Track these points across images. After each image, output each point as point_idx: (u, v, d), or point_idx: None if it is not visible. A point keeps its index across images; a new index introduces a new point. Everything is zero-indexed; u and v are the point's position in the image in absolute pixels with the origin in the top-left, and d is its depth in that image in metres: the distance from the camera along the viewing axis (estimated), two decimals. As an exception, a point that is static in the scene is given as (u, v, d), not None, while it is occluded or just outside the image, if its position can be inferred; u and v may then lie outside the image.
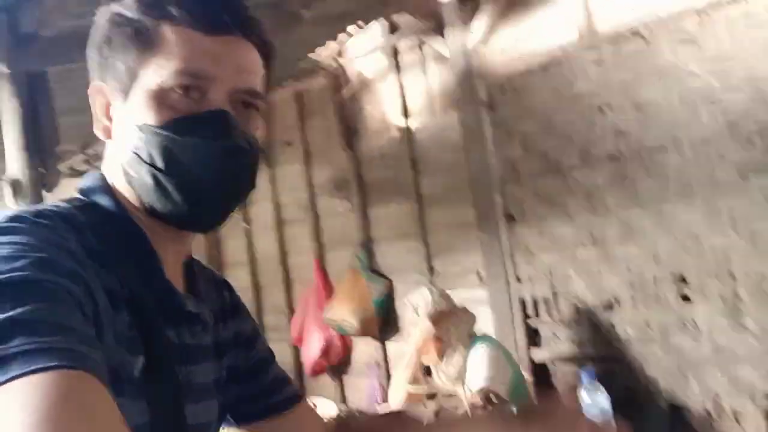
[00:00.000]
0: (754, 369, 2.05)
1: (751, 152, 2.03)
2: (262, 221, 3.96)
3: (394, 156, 3.20)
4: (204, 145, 0.58)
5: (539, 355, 2.62)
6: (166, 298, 0.62)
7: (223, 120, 0.59)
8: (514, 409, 2.06)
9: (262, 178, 3.77)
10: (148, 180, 0.59)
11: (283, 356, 3.87)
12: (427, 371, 2.36)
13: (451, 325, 2.28)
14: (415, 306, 2.30)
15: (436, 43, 2.96)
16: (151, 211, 0.61)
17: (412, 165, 3.12)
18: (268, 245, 3.94)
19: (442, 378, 2.28)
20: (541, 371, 2.63)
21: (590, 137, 2.40)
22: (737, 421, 2.12)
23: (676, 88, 2.17)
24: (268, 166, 3.81)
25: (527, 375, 2.56)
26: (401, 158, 3.16)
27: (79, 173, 4.18)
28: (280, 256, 3.87)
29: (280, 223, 3.88)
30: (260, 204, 3.86)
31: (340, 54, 3.43)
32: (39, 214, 0.54)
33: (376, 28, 3.22)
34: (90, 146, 3.65)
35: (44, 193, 1.87)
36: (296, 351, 3.73)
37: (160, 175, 0.59)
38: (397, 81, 3.17)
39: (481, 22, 2.73)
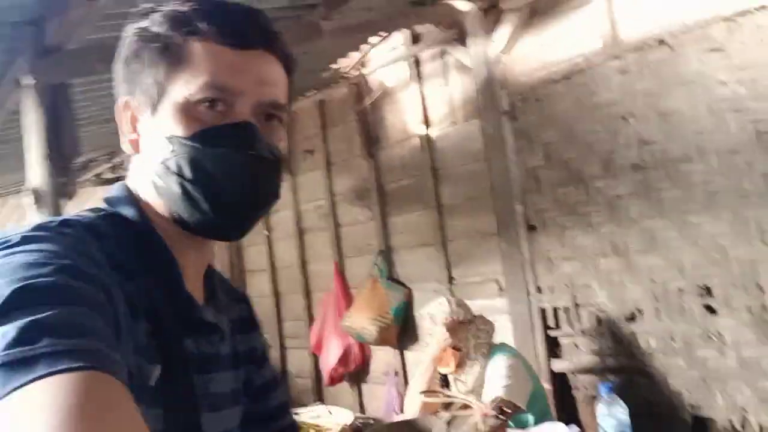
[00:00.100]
0: (782, 384, 2.00)
1: (779, 162, 1.99)
2: (283, 229, 3.99)
3: (415, 165, 3.21)
4: (230, 156, 0.60)
5: (559, 365, 2.59)
6: (186, 308, 0.63)
7: (249, 131, 0.62)
8: (530, 420, 2.02)
9: (284, 187, 3.80)
10: (177, 190, 0.61)
11: (302, 364, 3.89)
12: (445, 381, 2.34)
13: (469, 334, 2.26)
14: (432, 316, 2.29)
15: (458, 53, 2.97)
16: (179, 221, 0.63)
17: (432, 174, 3.12)
18: (288, 253, 3.98)
19: (459, 388, 2.26)
20: (561, 382, 2.59)
21: (613, 146, 2.38)
22: (765, 436, 2.07)
23: (703, 97, 2.15)
24: (290, 175, 3.85)
25: (547, 386, 2.53)
26: (422, 167, 3.16)
27: (105, 181, 4.28)
28: (300, 264, 3.90)
29: (300, 231, 3.91)
30: (281, 212, 3.90)
31: (362, 64, 3.46)
32: (63, 223, 0.56)
33: (398, 39, 3.24)
34: (116, 155, 3.73)
35: (65, 202, 1.92)
36: (315, 359, 3.73)
37: (188, 185, 0.60)
38: (418, 90, 3.19)
39: (503, 32, 2.73)
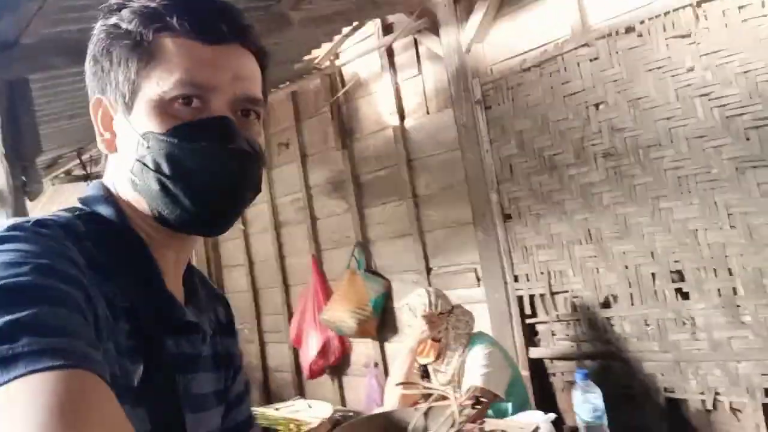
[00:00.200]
0: (752, 364, 2.04)
1: (747, 147, 2.02)
2: (260, 223, 3.96)
3: (389, 155, 3.19)
4: (209, 150, 0.59)
5: (537, 352, 2.61)
6: (166, 308, 0.62)
7: (226, 125, 0.61)
8: (509, 409, 2.03)
9: (259, 180, 3.76)
10: (155, 186, 0.60)
11: (282, 358, 3.88)
12: (425, 372, 2.35)
13: (448, 325, 2.26)
14: (411, 307, 2.29)
15: (430, 42, 2.95)
16: (159, 218, 0.61)
17: (407, 164, 3.11)
18: (265, 247, 3.94)
19: (439, 378, 2.26)
20: (538, 369, 2.62)
21: (585, 134, 2.39)
22: (735, 416, 2.11)
23: (671, 83, 2.16)
24: (265, 168, 3.80)
25: (525, 373, 2.55)
26: (397, 158, 3.15)
27: (75, 178, 4.19)
28: (278, 258, 3.87)
29: (277, 225, 3.87)
30: (257, 206, 3.86)
31: (335, 55, 3.42)
32: (38, 223, 0.55)
33: (370, 29, 3.21)
34: (86, 151, 3.65)
35: (27, 202, 1.86)
36: (295, 353, 3.72)
37: (167, 181, 0.59)
38: (391, 80, 3.16)
39: (474, 21, 2.72)
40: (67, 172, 4.23)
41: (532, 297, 2.62)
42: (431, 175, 3.04)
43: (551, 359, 2.59)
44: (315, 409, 2.46)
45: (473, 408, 1.66)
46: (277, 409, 2.63)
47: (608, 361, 2.39)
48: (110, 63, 0.61)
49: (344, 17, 2.66)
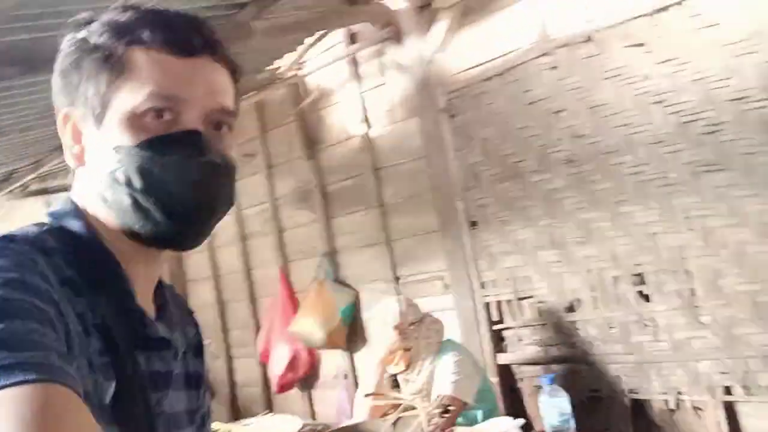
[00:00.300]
0: (712, 363, 2.09)
1: (702, 151, 2.08)
2: (225, 235, 3.89)
3: (356, 165, 3.19)
4: (181, 163, 0.59)
5: (504, 358, 2.62)
6: (137, 323, 0.61)
7: (198, 139, 0.60)
8: (479, 416, 2.04)
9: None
10: (126, 201, 0.59)
11: (249, 372, 3.81)
12: (395, 383, 2.33)
13: (419, 334, 2.26)
14: (383, 317, 2.27)
15: (394, 52, 2.97)
16: (130, 233, 0.60)
17: (374, 173, 3.11)
18: (231, 259, 3.88)
19: (410, 388, 2.25)
20: (507, 375, 2.63)
21: (547, 141, 2.43)
22: (698, 414, 2.16)
23: (628, 91, 2.22)
24: (230, 179, 3.75)
25: (494, 379, 2.56)
26: (363, 167, 3.15)
27: (32, 193, 4.05)
28: (245, 270, 3.81)
29: (243, 237, 3.82)
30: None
31: (299, 65, 3.41)
32: (6, 238, 0.54)
33: (335, 38, 3.21)
34: (42, 164, 3.54)
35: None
36: (264, 367, 3.66)
37: (138, 195, 0.58)
38: (357, 90, 3.17)
39: (438, 31, 2.75)
40: (24, 187, 4.09)
41: (499, 303, 2.63)
42: (398, 183, 3.05)
43: (519, 365, 2.61)
44: (283, 424, 2.42)
45: (441, 416, 1.65)
46: (245, 426, 2.58)
47: (575, 365, 2.42)
48: (80, 77, 0.61)
49: (308, 27, 2.66)
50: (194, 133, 0.60)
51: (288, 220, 3.58)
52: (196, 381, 0.73)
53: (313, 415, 3.45)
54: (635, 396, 2.28)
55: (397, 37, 2.92)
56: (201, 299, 4.04)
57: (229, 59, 0.65)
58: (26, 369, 0.42)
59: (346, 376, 3.28)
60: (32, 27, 1.67)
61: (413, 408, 1.66)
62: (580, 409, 2.24)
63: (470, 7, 2.69)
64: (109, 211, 0.61)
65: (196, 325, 0.79)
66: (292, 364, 3.36)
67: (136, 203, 0.59)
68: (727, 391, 2.07)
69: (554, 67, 2.40)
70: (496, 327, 2.65)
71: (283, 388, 3.41)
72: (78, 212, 0.63)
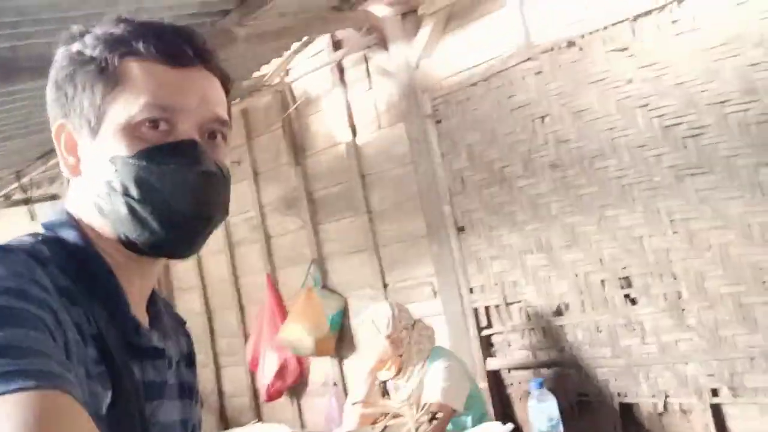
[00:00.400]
0: (699, 366, 2.10)
1: (684, 155, 2.10)
2: (213, 243, 3.85)
3: (342, 171, 3.18)
4: (178, 172, 0.59)
5: (493, 363, 2.62)
6: (131, 333, 0.61)
7: (194, 148, 0.61)
8: (468, 422, 2.03)
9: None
10: (123, 210, 0.59)
11: (238, 381, 3.77)
12: (384, 390, 2.32)
13: (411, 340, 2.26)
14: (376, 322, 2.26)
15: (380, 58, 2.97)
16: (126, 242, 0.61)
17: (361, 179, 3.10)
18: (219, 267, 3.85)
19: (400, 394, 2.24)
20: (496, 380, 2.63)
21: (532, 146, 2.44)
22: (685, 417, 2.16)
23: (612, 96, 2.23)
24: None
25: (483, 384, 2.55)
26: (350, 173, 3.14)
27: (16, 203, 4.00)
28: (232, 278, 3.78)
29: (230, 245, 3.79)
30: (209, 225, 3.76)
31: (285, 71, 3.40)
32: (2, 248, 0.54)
33: (320, 45, 3.21)
34: (25, 174, 3.49)
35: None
36: (252, 375, 3.63)
37: (135, 204, 0.59)
38: (343, 96, 3.16)
39: (423, 36, 2.75)
40: (6, 197, 4.04)
41: (487, 308, 2.63)
42: (385, 189, 3.04)
43: (508, 369, 2.61)
44: (271, 433, 2.39)
45: (429, 423, 1.64)
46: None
47: (563, 369, 2.42)
48: (74, 89, 0.62)
49: (292, 33, 2.65)
50: (190, 142, 0.61)
51: (275, 227, 3.56)
52: (189, 391, 0.74)
53: (302, 424, 3.43)
54: (624, 399, 2.29)
55: (382, 43, 2.92)
56: (188, 308, 4.00)
57: (221, 70, 0.67)
58: (26, 376, 0.43)
59: (335, 384, 3.26)
60: (9, 35, 1.65)
61: (401, 416, 1.65)
62: (569, 413, 2.25)
63: (455, 13, 2.70)
64: (105, 220, 0.61)
65: (188, 335, 0.80)
66: (281, 373, 3.33)
67: (132, 212, 0.59)
68: (714, 393, 2.08)
69: (538, 73, 2.41)
70: (484, 332, 2.64)
71: (272, 396, 3.38)
72: (73, 222, 0.63)
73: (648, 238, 2.19)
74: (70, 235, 0.62)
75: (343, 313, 3.21)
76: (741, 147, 1.98)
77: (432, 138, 2.76)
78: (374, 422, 2.07)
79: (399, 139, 2.92)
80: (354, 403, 2.10)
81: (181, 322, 0.79)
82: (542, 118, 2.41)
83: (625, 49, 2.19)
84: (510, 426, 1.95)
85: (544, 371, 2.46)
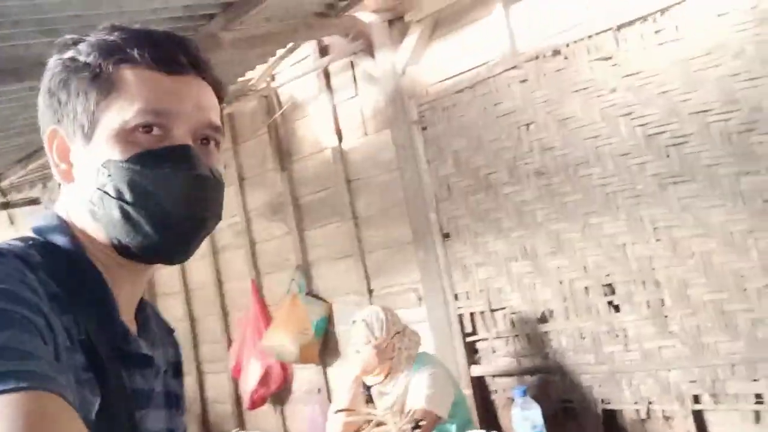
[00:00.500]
0: (681, 372, 2.11)
1: (667, 163, 2.12)
2: (196, 248, 3.82)
3: (328, 177, 3.17)
4: (171, 176, 0.60)
5: (478, 370, 2.62)
6: (120, 340, 0.61)
7: (188, 153, 0.61)
8: (453, 429, 2.02)
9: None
10: (116, 214, 0.59)
11: (221, 388, 3.73)
12: (369, 397, 2.30)
13: (402, 345, 2.25)
14: (369, 323, 2.24)
15: (366, 64, 2.97)
16: (119, 247, 0.61)
17: (347, 185, 3.09)
18: (202, 273, 3.81)
19: (385, 401, 2.23)
20: (481, 387, 2.63)
21: (518, 153, 2.45)
22: (668, 423, 2.18)
23: (596, 104, 2.25)
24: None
25: (467, 391, 2.55)
26: (336, 179, 3.13)
27: (-5, 206, 3.93)
28: (216, 284, 3.75)
29: (215, 250, 3.76)
30: (193, 231, 3.73)
31: (271, 77, 3.39)
32: None
33: (307, 50, 3.20)
34: (4, 177, 3.43)
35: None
36: (235, 383, 3.59)
37: (128, 208, 0.59)
38: (329, 102, 3.16)
39: (409, 43, 2.76)
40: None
41: (472, 315, 2.63)
42: (371, 195, 3.04)
43: (493, 376, 2.60)
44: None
45: (413, 431, 1.63)
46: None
47: (548, 376, 2.42)
48: (68, 95, 0.62)
49: (278, 39, 2.64)
50: (184, 147, 0.61)
51: (260, 232, 3.54)
52: (176, 400, 0.73)
53: (285, 431, 3.40)
54: (607, 406, 2.29)
55: (368, 49, 2.92)
56: (171, 314, 3.95)
57: (214, 77, 0.67)
58: (19, 377, 0.43)
59: (319, 391, 3.23)
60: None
61: (385, 424, 1.64)
62: (553, 420, 2.25)
63: (441, 20, 2.71)
64: (97, 224, 0.61)
65: (176, 344, 0.80)
66: (265, 379, 3.30)
67: (125, 216, 0.59)
68: (696, 399, 2.10)
69: (524, 80, 2.42)
70: (469, 339, 2.64)
71: (255, 404, 3.34)
72: (64, 227, 0.63)
73: (631, 245, 2.20)
74: (61, 240, 0.62)
75: (328, 320, 3.19)
76: (722, 156, 2.00)
77: (418, 144, 2.76)
78: (358, 430, 2.05)
79: (385, 145, 2.92)
80: (337, 411, 2.08)
81: (169, 331, 0.79)
82: (527, 125, 2.42)
83: (609, 58, 2.21)
84: (493, 434, 1.94)
85: (529, 378, 2.46)
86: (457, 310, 2.67)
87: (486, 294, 2.57)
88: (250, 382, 3.31)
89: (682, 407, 2.11)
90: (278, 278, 3.39)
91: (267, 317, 3.38)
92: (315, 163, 3.25)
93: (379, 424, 1.65)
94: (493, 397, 2.61)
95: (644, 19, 2.14)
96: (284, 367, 3.33)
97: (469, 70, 2.60)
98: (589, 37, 2.25)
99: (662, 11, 2.10)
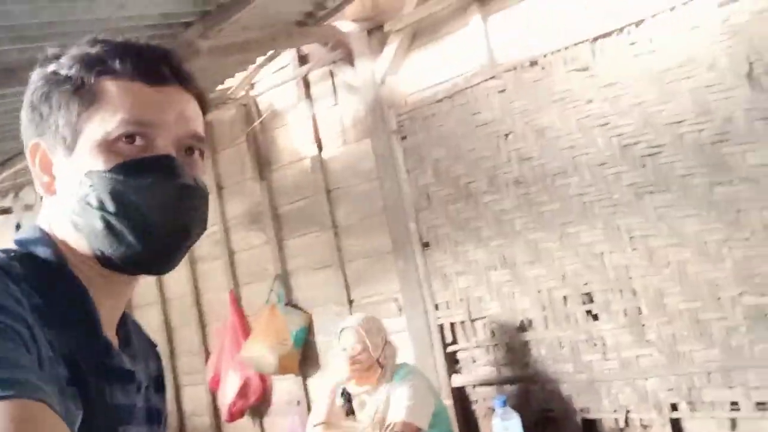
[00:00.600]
0: (658, 381, 2.13)
1: (643, 173, 2.14)
2: (174, 258, 3.77)
3: (308, 186, 3.15)
4: (155, 185, 0.59)
5: (459, 380, 2.61)
6: (103, 354, 0.60)
7: (171, 163, 0.60)
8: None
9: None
10: (99, 225, 0.59)
11: (198, 401, 3.67)
12: (350, 410, 2.28)
13: (388, 353, 2.26)
14: (365, 330, 2.23)
15: (346, 73, 2.96)
16: (102, 258, 0.60)
17: (326, 194, 3.08)
18: (180, 283, 3.75)
19: (365, 411, 2.21)
20: (461, 397, 2.62)
21: (496, 163, 2.46)
22: (646, 432, 2.19)
23: (573, 114, 2.27)
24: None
25: (448, 401, 2.54)
26: (315, 188, 3.11)
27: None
28: (194, 294, 3.69)
29: (192, 260, 3.70)
30: (170, 240, 3.68)
31: (250, 85, 3.37)
32: None
33: (286, 59, 3.19)
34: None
35: None
36: (213, 395, 3.53)
37: (111, 218, 0.58)
38: (308, 111, 3.14)
39: (389, 53, 2.76)
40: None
41: (452, 324, 2.63)
42: (351, 205, 3.02)
43: (473, 386, 2.60)
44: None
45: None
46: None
47: (528, 385, 2.42)
48: (50, 108, 0.62)
49: (257, 47, 2.63)
50: (167, 157, 0.61)
51: (239, 242, 3.50)
52: (158, 416, 0.72)
53: (265, 444, 3.35)
54: (586, 415, 2.30)
55: (348, 58, 2.92)
56: (148, 324, 3.85)
57: (197, 89, 0.67)
58: (4, 386, 0.43)
59: (298, 403, 3.20)
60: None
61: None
62: (533, 429, 2.25)
63: (420, 30, 2.73)
64: (80, 236, 0.61)
65: (158, 358, 0.79)
66: (243, 391, 3.25)
67: (108, 226, 0.59)
68: (674, 407, 2.11)
69: (502, 91, 2.44)
70: (449, 348, 2.63)
71: (234, 416, 3.29)
72: (46, 239, 0.62)
73: (608, 254, 2.22)
74: (43, 252, 0.61)
75: (308, 330, 3.16)
76: (696, 166, 2.03)
77: (398, 154, 2.76)
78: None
79: (365, 155, 2.91)
80: (316, 425, 2.05)
81: (151, 345, 0.78)
82: (506, 135, 2.44)
83: (586, 69, 2.24)
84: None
85: (509, 387, 2.46)
86: (437, 320, 2.66)
87: (466, 303, 2.57)
88: (228, 394, 3.26)
89: (660, 415, 2.13)
90: (257, 288, 3.35)
91: (245, 328, 3.34)
92: (294, 172, 3.23)
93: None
94: (474, 407, 2.61)
95: (620, 30, 2.17)
96: (263, 379, 3.29)
97: (448, 80, 2.62)
98: (566, 48, 2.28)
99: (637, 24, 2.13)
